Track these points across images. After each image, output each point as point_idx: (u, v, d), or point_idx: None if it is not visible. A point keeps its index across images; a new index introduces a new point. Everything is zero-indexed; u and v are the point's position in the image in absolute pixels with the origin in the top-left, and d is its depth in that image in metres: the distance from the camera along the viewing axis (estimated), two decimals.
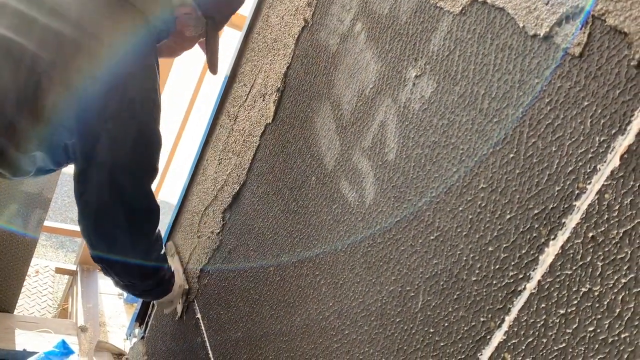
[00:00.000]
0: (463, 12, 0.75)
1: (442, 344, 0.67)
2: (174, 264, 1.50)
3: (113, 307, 2.36)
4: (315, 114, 1.07)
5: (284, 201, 1.10)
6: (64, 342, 1.82)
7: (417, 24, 0.84)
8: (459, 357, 0.65)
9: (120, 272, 1.21)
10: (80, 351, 2.01)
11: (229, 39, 2.10)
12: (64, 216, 4.38)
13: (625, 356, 0.48)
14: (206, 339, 1.32)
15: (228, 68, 1.61)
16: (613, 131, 0.54)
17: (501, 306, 0.61)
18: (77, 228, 2.59)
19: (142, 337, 1.84)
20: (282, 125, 1.19)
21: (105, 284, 2.49)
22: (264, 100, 1.29)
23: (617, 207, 0.52)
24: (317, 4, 1.15)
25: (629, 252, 0.50)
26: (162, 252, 1.29)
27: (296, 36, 1.20)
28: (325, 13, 1.11)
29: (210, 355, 1.27)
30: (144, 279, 1.26)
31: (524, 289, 0.59)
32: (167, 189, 2.87)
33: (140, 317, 1.89)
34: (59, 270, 2.57)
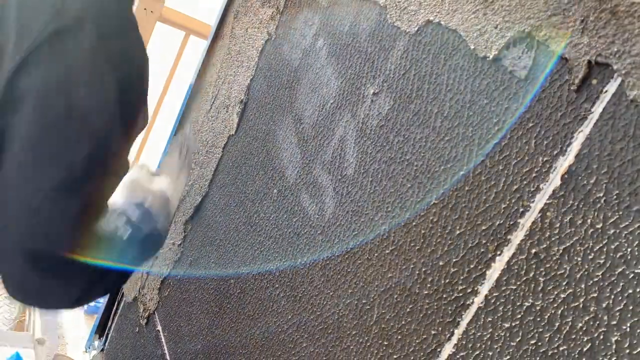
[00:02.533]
0: (419, 32, 0.78)
1: (395, 357, 0.69)
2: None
3: (72, 318, 2.30)
4: (277, 127, 1.08)
5: (246, 213, 1.10)
6: (18, 354, 1.77)
7: (376, 43, 0.86)
8: None
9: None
10: None
11: (194, 48, 2.10)
12: None
13: None
14: (166, 351, 1.30)
15: (193, 77, 1.60)
16: (555, 152, 0.57)
17: (451, 319, 0.63)
18: None
19: (102, 350, 1.80)
20: (244, 137, 1.19)
21: None
22: (227, 111, 1.29)
23: (557, 225, 0.54)
24: (280, 18, 1.16)
25: (568, 268, 0.52)
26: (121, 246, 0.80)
27: (260, 49, 1.21)
28: (288, 27, 1.12)
29: None
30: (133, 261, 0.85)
31: (472, 303, 0.61)
32: None
33: (100, 329, 1.85)
34: None
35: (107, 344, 1.78)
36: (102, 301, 1.98)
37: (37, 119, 0.65)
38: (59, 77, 0.66)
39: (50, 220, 0.68)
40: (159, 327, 1.37)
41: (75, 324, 2.27)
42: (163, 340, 1.33)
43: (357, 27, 0.91)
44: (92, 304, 2.38)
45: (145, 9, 1.98)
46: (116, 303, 1.78)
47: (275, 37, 1.16)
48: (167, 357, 1.29)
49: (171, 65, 2.20)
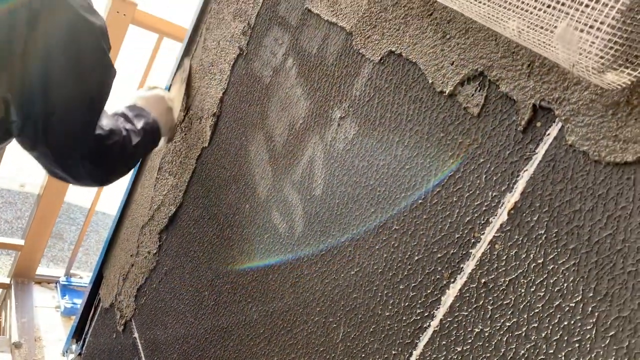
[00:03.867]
0: (382, 61, 0.81)
1: None
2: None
3: (49, 320, 2.31)
4: (249, 143, 1.11)
5: (219, 226, 1.13)
6: None
7: (342, 67, 0.89)
8: None
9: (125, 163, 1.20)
10: None
11: (170, 50, 2.10)
12: None
13: None
14: (143, 358, 1.33)
15: (169, 79, 1.61)
16: (503, 188, 0.61)
17: (409, 341, 0.67)
18: (8, 240, 2.50)
19: (79, 354, 1.82)
20: (218, 151, 1.22)
21: (42, 298, 2.43)
22: (200, 123, 1.31)
23: (504, 257, 0.59)
24: (251, 34, 1.18)
25: (513, 298, 0.57)
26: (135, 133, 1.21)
27: (232, 63, 1.23)
28: (259, 44, 1.15)
29: None
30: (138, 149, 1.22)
31: (429, 326, 0.65)
32: (106, 201, 2.82)
33: (78, 333, 1.86)
34: None
35: (84, 348, 1.80)
36: (79, 304, 1.99)
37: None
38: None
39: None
40: (136, 335, 1.39)
41: (53, 327, 2.28)
42: (140, 347, 1.36)
43: (325, 50, 0.94)
44: (69, 305, 2.39)
45: (117, 12, 1.97)
46: (93, 308, 1.80)
47: (247, 53, 1.19)
48: None
49: (145, 67, 2.19)
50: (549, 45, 0.49)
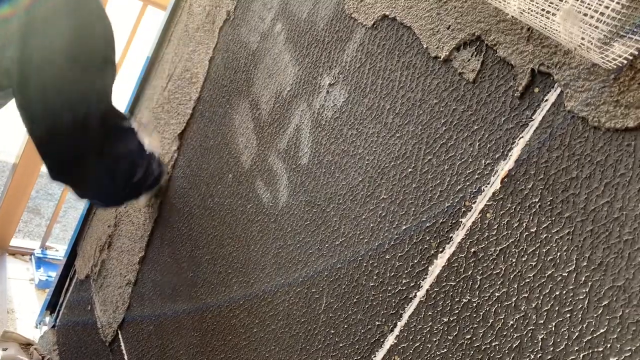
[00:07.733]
0: (375, 26, 0.78)
1: (341, 345, 0.71)
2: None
3: (23, 293, 2.26)
4: (234, 111, 1.07)
5: (201, 196, 1.10)
6: None
7: (333, 33, 0.86)
8: (355, 358, 0.69)
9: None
10: None
11: (152, 19, 2.04)
12: None
13: None
14: (118, 331, 1.30)
15: (150, 49, 1.56)
16: (497, 156, 0.59)
17: (394, 311, 0.65)
18: None
19: (53, 326, 1.78)
20: (200, 119, 1.18)
21: (15, 269, 2.37)
22: (183, 91, 1.27)
23: (496, 227, 0.57)
24: None
25: (503, 268, 0.55)
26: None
27: (218, 28, 1.19)
28: (247, 9, 1.11)
29: (122, 346, 1.26)
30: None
31: (415, 296, 0.63)
32: None
33: (52, 305, 1.82)
34: None
35: (58, 320, 1.76)
36: (54, 276, 1.95)
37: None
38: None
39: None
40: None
41: (26, 298, 2.23)
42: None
43: (316, 15, 0.91)
44: (44, 278, 2.34)
45: None
46: (68, 279, 1.76)
47: (234, 18, 1.15)
48: (120, 338, 1.29)
49: (128, 35, 2.13)
50: (551, 26, 0.47)
